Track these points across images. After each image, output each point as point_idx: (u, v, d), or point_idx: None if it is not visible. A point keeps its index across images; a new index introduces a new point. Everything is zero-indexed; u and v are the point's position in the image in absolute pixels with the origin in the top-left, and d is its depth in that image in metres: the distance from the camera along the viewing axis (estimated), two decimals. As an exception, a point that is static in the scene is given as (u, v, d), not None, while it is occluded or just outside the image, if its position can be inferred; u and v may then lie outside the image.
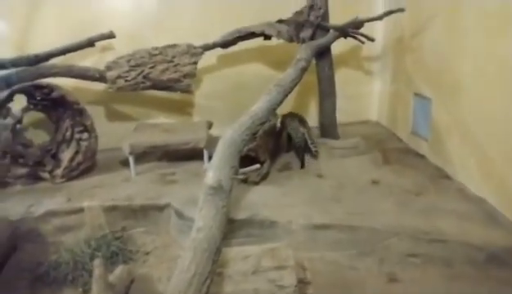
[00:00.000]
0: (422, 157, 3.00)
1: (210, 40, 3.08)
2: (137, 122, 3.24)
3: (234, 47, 3.20)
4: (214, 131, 3.07)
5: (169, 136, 2.84)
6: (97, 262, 1.72)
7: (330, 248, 2.06)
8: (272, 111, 2.08)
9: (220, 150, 1.63)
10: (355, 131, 3.46)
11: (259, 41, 3.17)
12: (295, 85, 2.31)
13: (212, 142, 2.83)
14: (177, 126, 3.14)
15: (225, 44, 3.07)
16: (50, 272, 2.01)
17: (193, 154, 2.92)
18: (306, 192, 2.43)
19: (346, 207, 2.27)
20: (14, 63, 2.69)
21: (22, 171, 2.62)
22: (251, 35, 3.04)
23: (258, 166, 1.79)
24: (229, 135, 1.74)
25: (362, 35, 2.97)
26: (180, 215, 2.30)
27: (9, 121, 2.59)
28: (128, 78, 2.71)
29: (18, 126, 2.67)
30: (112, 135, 3.07)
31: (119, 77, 2.72)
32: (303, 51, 2.57)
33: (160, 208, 2.40)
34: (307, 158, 2.85)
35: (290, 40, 2.96)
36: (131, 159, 2.74)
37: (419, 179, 2.61)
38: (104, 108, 3.34)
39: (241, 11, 3.29)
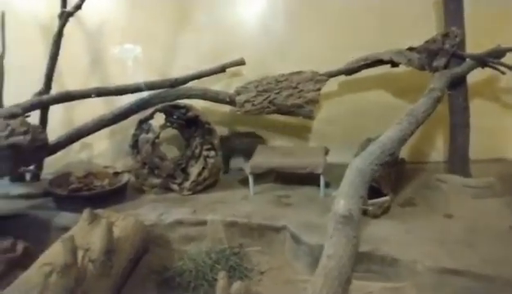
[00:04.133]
0: None
1: (334, 67, 3.11)
2: (259, 145, 3.37)
3: (357, 73, 3.18)
4: (330, 158, 3.05)
5: (287, 159, 2.91)
6: (221, 275, 1.81)
7: (459, 297, 1.86)
8: (403, 142, 1.98)
9: (349, 179, 1.60)
10: (489, 169, 3.10)
11: (383, 68, 3.09)
12: (428, 116, 2.18)
13: (328, 169, 2.83)
14: (294, 150, 3.20)
15: (349, 71, 3.07)
16: (175, 277, 2.16)
17: (307, 179, 2.93)
18: (432, 232, 2.24)
19: (480, 253, 2.02)
20: (151, 86, 3.02)
21: (156, 181, 2.92)
22: (378, 62, 2.98)
23: (387, 198, 1.71)
24: (357, 164, 1.70)
25: (503, 65, 2.70)
26: (296, 239, 2.31)
27: (150, 136, 2.92)
28: (255, 103, 2.87)
29: (156, 140, 2.99)
30: (233, 154, 3.25)
31: (246, 101, 2.89)
32: (436, 81, 2.42)
33: (277, 230, 2.43)
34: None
35: (421, 68, 2.82)
36: (250, 179, 2.86)
37: None
38: (228, 129, 3.56)
39: (365, 39, 3.26)
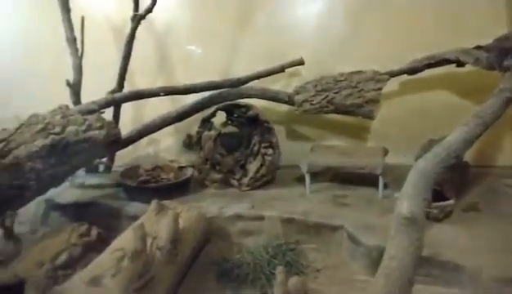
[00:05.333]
0: None
1: (395, 66, 3.05)
2: (313, 143, 3.40)
3: (419, 73, 3.09)
4: (388, 159, 2.99)
5: (345, 159, 2.90)
6: (280, 269, 1.89)
7: (529, 310, 1.77)
8: (469, 145, 1.92)
9: (412, 180, 1.59)
10: None
11: (447, 67, 2.98)
12: (497, 118, 2.08)
13: (387, 170, 2.78)
14: (352, 149, 3.18)
15: (412, 70, 2.99)
16: (234, 269, 2.25)
17: (364, 179, 2.90)
18: (499, 239, 2.13)
19: (554, 265, 1.91)
20: (214, 85, 3.14)
21: (217, 176, 3.05)
22: (443, 62, 2.88)
23: (451, 202, 1.67)
24: (422, 165, 1.68)
25: None
26: (353, 239, 2.31)
27: (212, 133, 3.05)
28: (314, 102, 2.90)
29: (217, 138, 3.11)
30: (289, 152, 3.27)
31: (305, 100, 2.92)
32: (507, 81, 2.30)
33: (333, 229, 2.45)
34: None
35: (490, 68, 2.68)
36: (307, 177, 2.89)
37: None
38: (285, 127, 3.61)
39: (428, 37, 3.15)
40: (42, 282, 1.72)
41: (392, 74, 3.00)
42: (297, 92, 3.00)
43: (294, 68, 3.31)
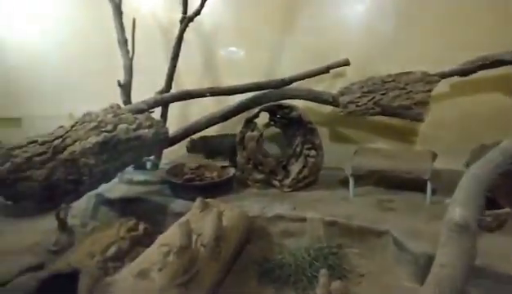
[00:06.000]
0: None
1: (446, 67, 2.93)
2: (358, 145, 3.33)
3: (472, 74, 2.95)
4: (437, 164, 2.88)
5: (391, 163, 2.82)
6: (323, 272, 1.86)
7: None
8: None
9: (465, 186, 1.52)
10: None
11: (502, 68, 2.83)
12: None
13: (435, 175, 2.68)
14: (398, 153, 3.08)
15: (465, 72, 2.87)
16: (275, 269, 2.25)
17: (411, 184, 2.80)
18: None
19: None
20: (259, 86, 3.16)
21: (259, 176, 3.07)
22: (498, 63, 2.74)
23: (507, 210, 1.58)
24: (475, 170, 1.60)
25: None
26: (399, 245, 2.24)
27: (255, 133, 3.07)
28: (359, 104, 2.84)
29: (260, 138, 3.13)
30: (332, 154, 3.23)
31: (350, 102, 2.88)
32: None
33: (378, 234, 2.38)
34: None
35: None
36: (351, 180, 2.84)
37: None
38: (328, 129, 3.57)
39: (480, 37, 3.00)
40: (95, 272, 1.80)
41: (444, 75, 2.89)
42: (342, 93, 2.96)
43: (338, 68, 3.26)
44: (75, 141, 2.33)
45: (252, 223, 2.58)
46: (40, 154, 2.24)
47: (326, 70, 3.19)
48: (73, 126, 2.40)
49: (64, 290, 1.92)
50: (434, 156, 2.97)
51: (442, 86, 3.14)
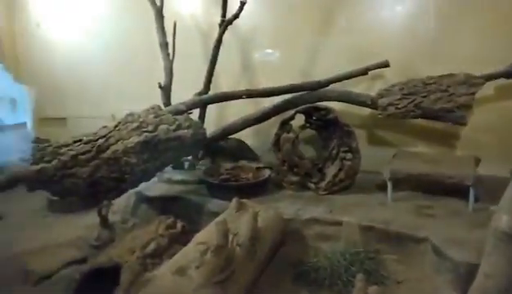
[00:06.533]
0: None
1: (491, 69, 2.82)
2: (396, 149, 3.26)
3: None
4: (480, 169, 2.76)
5: (431, 167, 2.73)
6: (360, 276, 1.84)
7: None
8: None
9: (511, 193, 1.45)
10: None
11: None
12: None
13: (478, 181, 2.57)
14: (439, 157, 2.99)
15: (510, 74, 2.74)
16: (310, 272, 2.24)
17: (452, 190, 2.70)
18: None
19: None
20: (295, 88, 3.15)
21: (294, 178, 3.06)
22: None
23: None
24: (524, 177, 1.53)
25: None
26: (438, 253, 2.17)
27: (291, 135, 3.07)
28: (399, 106, 2.78)
29: (296, 140, 3.12)
30: (370, 158, 3.17)
31: (390, 104, 2.82)
32: None
33: (417, 240, 2.32)
34: None
35: None
36: (389, 184, 2.77)
37: None
38: (366, 131, 3.51)
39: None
40: (136, 267, 1.87)
41: (489, 77, 2.77)
42: (381, 95, 2.91)
43: (377, 70, 3.20)
44: (118, 141, 2.42)
45: (287, 225, 2.58)
46: (85, 153, 2.35)
47: (365, 72, 3.14)
48: (116, 127, 2.50)
49: (105, 283, 2.00)
50: (477, 161, 2.85)
51: (487, 89, 3.01)
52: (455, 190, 2.67)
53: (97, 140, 2.41)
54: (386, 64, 3.09)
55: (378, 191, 2.97)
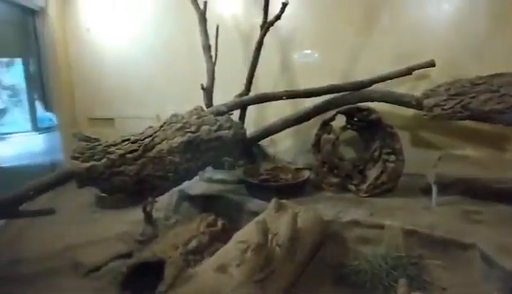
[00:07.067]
0: None
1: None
2: (442, 152, 3.14)
3: None
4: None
5: (480, 171, 2.62)
6: (402, 281, 1.80)
7: None
8: None
9: None
10: None
11: None
12: None
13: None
14: (488, 161, 2.86)
15: None
16: (351, 275, 2.22)
17: (502, 195, 2.58)
18: None
19: None
20: (336, 89, 3.12)
21: (334, 180, 3.04)
22: None
23: None
24: None
25: None
26: (487, 260, 2.08)
27: (331, 136, 3.05)
28: (446, 107, 2.68)
29: (336, 141, 3.09)
30: (414, 160, 3.09)
31: (436, 105, 2.72)
32: None
33: (464, 247, 2.23)
34: None
35: None
36: (434, 188, 2.69)
37: None
38: (410, 133, 3.41)
39: None
40: (180, 263, 1.93)
41: (544, 77, 2.61)
42: (426, 96, 2.82)
43: (421, 70, 3.11)
44: (163, 140, 2.50)
45: (327, 227, 2.57)
46: (132, 151, 2.45)
47: (409, 72, 3.06)
48: (161, 127, 2.59)
49: (148, 277, 2.08)
50: (530, 165, 2.71)
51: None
52: (505, 195, 2.55)
53: (144, 139, 2.50)
54: (432, 64, 3.00)
55: (421, 195, 2.89)
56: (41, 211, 2.75)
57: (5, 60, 3.92)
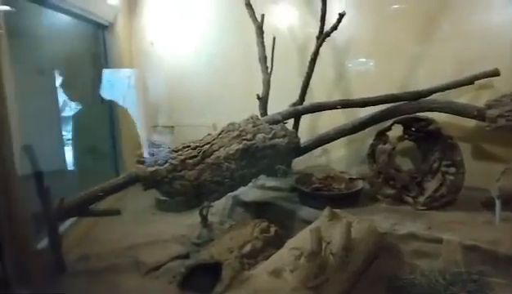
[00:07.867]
0: None
1: None
2: (506, 165, 2.98)
3: None
4: None
5: (550, 187, 2.47)
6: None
7: None
8: None
9: None
10: None
11: None
12: None
13: None
14: (559, 176, 2.68)
15: None
16: (406, 288, 2.18)
17: None
18: None
19: None
20: (383, 100, 3.07)
21: (390, 191, 2.98)
22: None
23: None
24: None
25: None
26: (558, 281, 1.96)
27: (387, 147, 3.00)
28: (511, 118, 2.56)
29: (392, 152, 3.04)
30: (475, 173, 2.95)
31: (500, 116, 2.61)
32: None
33: (531, 265, 2.12)
34: None
35: None
36: (497, 203, 2.56)
37: None
38: (471, 145, 3.27)
39: None
40: (236, 265, 2.01)
41: None
42: (489, 106, 2.70)
43: (483, 80, 2.99)
44: (220, 147, 2.62)
45: (382, 239, 2.53)
46: (192, 157, 2.59)
47: (470, 82, 2.95)
48: (219, 134, 2.71)
49: (204, 278, 2.18)
50: None
51: None
52: None
53: (203, 146, 2.63)
54: (496, 73, 2.87)
55: (483, 209, 2.76)
56: (108, 211, 2.98)
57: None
